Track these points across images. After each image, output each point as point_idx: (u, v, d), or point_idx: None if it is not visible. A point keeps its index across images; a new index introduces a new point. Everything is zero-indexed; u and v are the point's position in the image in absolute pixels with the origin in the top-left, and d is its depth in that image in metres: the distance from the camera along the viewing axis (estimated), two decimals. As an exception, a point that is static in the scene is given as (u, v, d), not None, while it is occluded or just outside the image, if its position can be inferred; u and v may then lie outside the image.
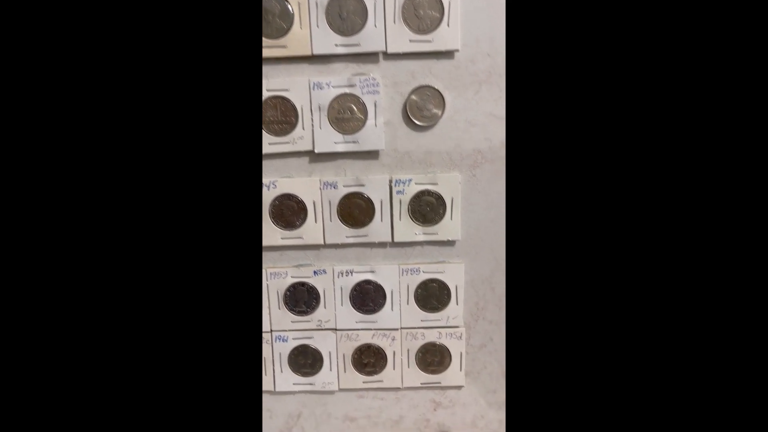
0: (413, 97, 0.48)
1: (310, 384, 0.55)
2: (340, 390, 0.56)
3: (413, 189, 0.50)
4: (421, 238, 0.51)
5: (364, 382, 0.55)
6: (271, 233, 0.51)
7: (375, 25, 0.46)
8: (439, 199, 0.50)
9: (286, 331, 0.54)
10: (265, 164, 0.50)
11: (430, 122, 0.49)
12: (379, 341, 0.54)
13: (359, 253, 0.52)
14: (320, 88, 0.48)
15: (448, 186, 0.50)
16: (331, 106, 0.48)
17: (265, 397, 0.56)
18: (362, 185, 0.50)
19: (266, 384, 0.55)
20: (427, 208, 0.50)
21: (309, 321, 0.54)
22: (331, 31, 0.46)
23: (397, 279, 0.52)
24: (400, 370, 0.55)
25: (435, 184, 0.50)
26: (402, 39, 0.47)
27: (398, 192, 0.50)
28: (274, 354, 0.54)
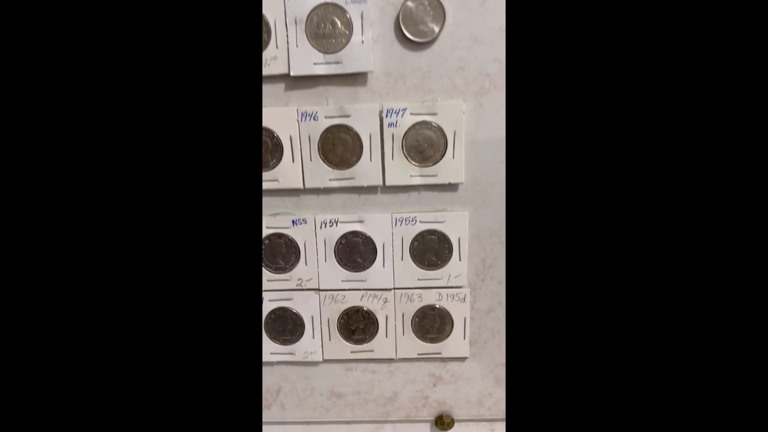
0: (409, 3, 0.40)
1: (290, 354, 0.48)
2: (325, 361, 0.48)
3: (408, 121, 0.42)
4: (418, 181, 0.43)
5: (352, 352, 0.48)
6: (245, 179, 0.44)
7: None
8: (439, 133, 0.42)
9: (262, 291, 0.47)
10: (235, 94, 0.43)
11: (428, 39, 0.41)
12: (369, 304, 0.47)
13: (345, 200, 0.45)
14: (296, -4, 0.40)
15: (450, 117, 0.42)
16: (309, 18, 0.41)
17: (239, 369, 0.49)
18: (347, 116, 0.43)
19: (243, 355, 0.48)
20: (425, 144, 0.43)
21: (288, 280, 0.46)
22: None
23: (389, 230, 0.45)
24: (394, 338, 0.47)
25: (434, 114, 0.42)
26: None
27: (390, 125, 0.42)
28: (251, 320, 0.47)
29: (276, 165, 0.44)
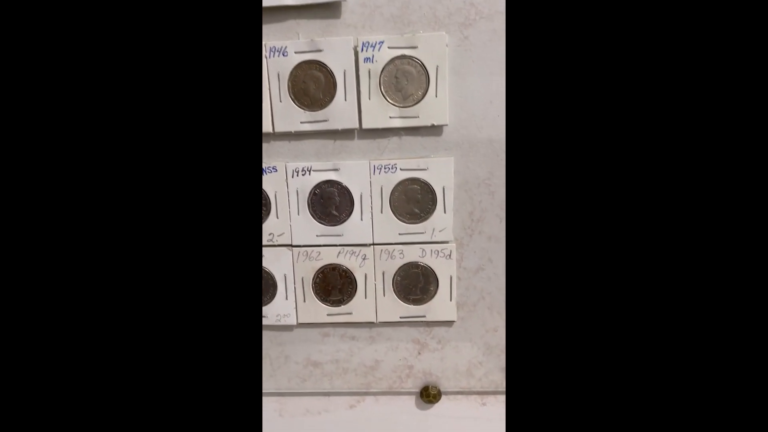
0: None
1: (263, 317, 0.45)
2: (300, 325, 0.45)
3: (386, 55, 0.39)
4: (398, 123, 0.40)
5: (328, 315, 0.44)
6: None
7: None
8: (420, 68, 0.39)
9: (230, 248, 0.44)
10: (200, 31, 0.40)
11: (407, -37, 0.37)
12: (346, 261, 0.43)
13: (319, 146, 0.41)
14: None
15: (432, 51, 0.38)
16: (276, -59, 0.38)
17: (208, 334, 0.46)
18: (319, 51, 0.39)
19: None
20: (405, 81, 0.39)
21: (258, 235, 0.43)
22: None
23: (367, 179, 0.41)
24: (374, 299, 0.43)
25: (414, 47, 0.38)
26: None
27: (366, 60, 0.39)
28: (221, 282, 0.44)
29: (243, 107, 0.40)
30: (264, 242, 0.42)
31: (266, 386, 0.46)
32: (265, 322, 0.44)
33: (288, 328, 0.45)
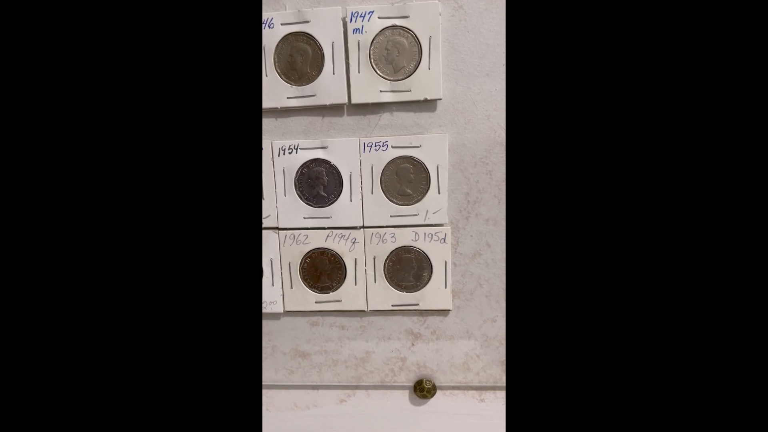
0: None
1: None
2: (287, 313, 0.43)
3: (376, 26, 0.37)
4: (389, 97, 0.38)
5: (317, 302, 0.42)
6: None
7: None
8: (412, 39, 0.37)
9: (215, 231, 0.42)
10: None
11: (398, -72, 0.36)
12: (335, 245, 0.41)
13: (306, 123, 0.39)
14: None
15: (425, 20, 0.36)
16: None
17: (193, 323, 0.44)
18: (306, 22, 0.37)
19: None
20: (396, 52, 0.37)
21: (244, 218, 0.41)
22: None
23: (357, 157, 0.39)
24: (364, 286, 0.41)
25: (406, 17, 0.36)
26: None
27: (356, 31, 0.37)
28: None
29: (228, 82, 0.39)
30: (249, 225, 0.41)
31: (252, 378, 0.44)
32: (250, 309, 0.42)
33: (275, 316, 0.43)
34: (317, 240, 0.40)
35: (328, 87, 0.37)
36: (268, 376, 0.44)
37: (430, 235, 0.39)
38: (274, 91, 0.38)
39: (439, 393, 0.43)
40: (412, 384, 0.43)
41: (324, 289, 0.41)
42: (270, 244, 0.41)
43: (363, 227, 0.40)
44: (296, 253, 0.41)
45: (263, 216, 0.40)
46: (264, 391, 0.44)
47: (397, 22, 0.36)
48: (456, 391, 0.43)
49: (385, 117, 0.38)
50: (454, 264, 0.40)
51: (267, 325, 0.43)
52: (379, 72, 0.37)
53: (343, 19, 0.36)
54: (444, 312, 0.41)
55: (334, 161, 0.39)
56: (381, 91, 0.37)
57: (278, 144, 0.39)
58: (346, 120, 0.39)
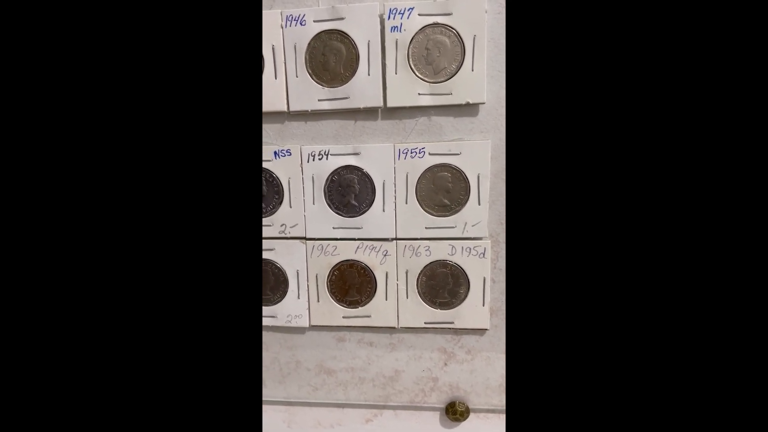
0: None
1: (271, 317, 0.41)
2: (312, 327, 0.40)
3: (416, 23, 0.34)
4: (427, 101, 0.35)
5: (344, 318, 0.40)
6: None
7: None
8: (455, 38, 0.34)
9: (238, 239, 0.40)
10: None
11: None
12: (365, 257, 0.39)
13: (338, 127, 0.37)
14: None
15: (469, 18, 0.33)
16: None
17: (213, 334, 0.42)
18: (341, 19, 0.35)
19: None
20: (437, 52, 0.35)
21: (269, 225, 0.39)
22: None
23: (391, 164, 0.36)
24: (395, 301, 0.39)
25: (448, 14, 0.34)
26: None
27: (394, 28, 0.35)
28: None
29: (256, 83, 0.36)
30: (275, 234, 0.38)
31: (274, 394, 0.42)
32: (274, 323, 0.40)
33: (299, 330, 0.40)
34: (347, 251, 0.38)
35: (362, 89, 0.35)
36: (290, 392, 0.42)
37: (468, 249, 0.37)
38: (305, 92, 0.36)
39: (472, 416, 0.40)
40: (443, 405, 0.41)
41: (352, 304, 0.39)
42: (297, 254, 0.38)
43: (396, 239, 0.37)
44: (324, 264, 0.38)
45: (290, 225, 0.38)
46: (287, 408, 0.42)
47: (440, 19, 0.33)
48: (491, 415, 0.40)
49: (423, 121, 0.36)
50: (493, 280, 0.37)
51: (291, 340, 0.41)
52: (417, 73, 0.34)
53: (381, 16, 0.34)
54: (480, 331, 0.38)
55: (366, 168, 0.36)
56: (419, 94, 0.35)
57: (308, 149, 0.37)
58: (380, 124, 0.36)
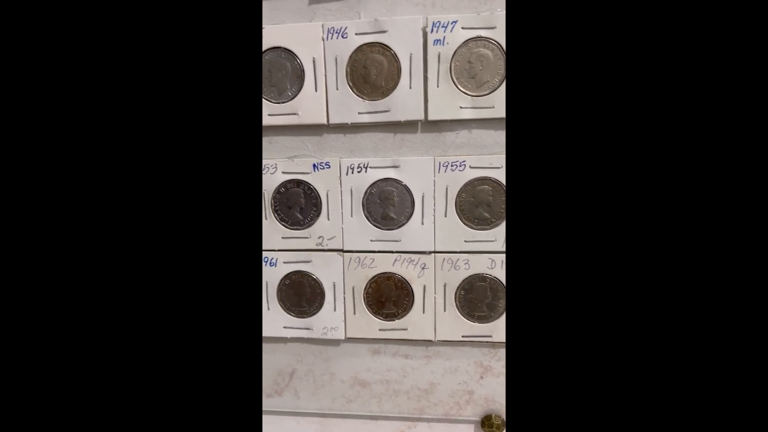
0: None
1: (307, 329, 0.41)
2: (348, 340, 0.40)
3: (459, 36, 0.34)
4: (469, 114, 0.35)
5: (380, 330, 0.39)
6: (260, 117, 0.37)
7: None
8: (499, 52, 0.34)
9: (274, 251, 0.40)
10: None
11: (488, -69, 0.33)
12: (402, 270, 0.38)
13: (378, 139, 0.37)
14: None
15: (512, 35, 0.34)
16: None
17: (247, 345, 0.42)
18: (383, 32, 0.35)
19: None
20: (480, 66, 0.34)
21: (307, 237, 0.39)
22: None
23: (431, 177, 0.36)
24: (433, 314, 0.39)
25: (492, 28, 0.34)
26: None
27: (436, 42, 0.35)
28: (261, 285, 0.40)
29: (295, 95, 0.36)
30: (312, 246, 0.38)
31: (308, 405, 0.42)
32: (309, 334, 0.40)
33: (334, 342, 0.40)
34: (384, 264, 0.38)
35: (403, 102, 0.35)
36: (324, 404, 0.42)
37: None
38: (345, 105, 0.36)
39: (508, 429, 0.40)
40: (479, 419, 0.40)
41: (389, 316, 0.39)
42: (334, 267, 0.38)
43: (434, 252, 0.37)
44: (361, 277, 0.38)
45: (328, 237, 0.38)
46: (320, 420, 0.42)
47: (483, 33, 0.33)
48: (526, 428, 0.40)
49: (463, 134, 0.36)
50: (532, 294, 0.37)
51: (325, 352, 0.41)
52: (460, 87, 0.34)
53: (423, 29, 0.34)
54: (518, 345, 0.38)
55: (405, 181, 0.36)
56: (461, 107, 0.34)
57: (347, 162, 0.37)
58: (420, 137, 0.36)
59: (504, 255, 0.36)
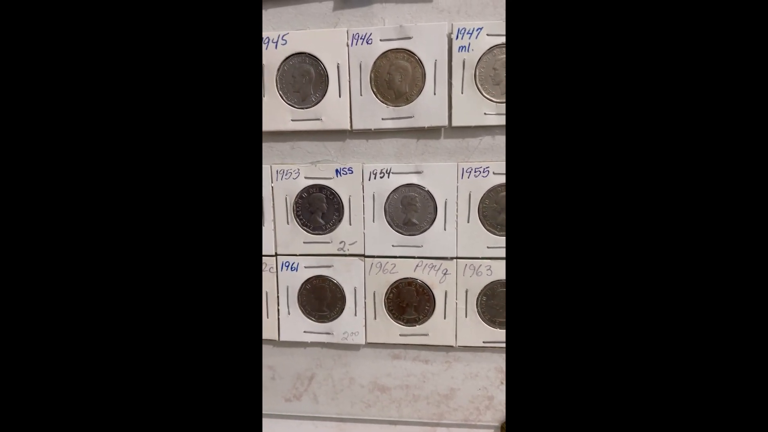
0: None
1: (327, 333, 0.41)
2: (368, 345, 0.40)
3: (484, 43, 0.34)
4: (493, 120, 0.35)
5: (401, 335, 0.40)
6: (278, 112, 0.36)
7: None
8: (523, 59, 0.34)
9: (296, 255, 0.40)
10: (270, 12, 0.37)
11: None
12: (424, 275, 0.39)
13: (400, 145, 0.37)
14: None
15: (537, 42, 0.34)
16: None
17: (266, 349, 0.42)
18: (408, 38, 0.35)
19: (267, 331, 0.40)
20: (505, 73, 0.35)
21: (328, 243, 0.39)
22: None
23: (454, 183, 0.36)
24: (454, 320, 0.39)
25: (517, 35, 0.34)
26: None
27: (461, 48, 0.35)
28: (279, 288, 0.39)
29: (319, 100, 0.36)
30: (334, 251, 0.38)
31: (327, 410, 0.42)
32: (330, 339, 0.40)
33: (354, 347, 0.40)
34: (405, 269, 0.38)
35: (427, 108, 0.35)
36: (343, 408, 0.42)
37: (529, 269, 0.37)
38: (369, 111, 0.36)
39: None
40: (498, 424, 0.40)
41: (410, 322, 0.39)
42: (355, 272, 0.38)
43: (456, 258, 0.37)
44: (382, 282, 0.38)
45: (349, 242, 0.38)
46: (338, 424, 0.42)
47: (508, 40, 0.34)
48: (545, 435, 0.40)
49: (486, 140, 0.36)
50: (554, 300, 0.37)
51: (345, 356, 0.41)
52: (484, 93, 0.34)
53: (449, 36, 0.34)
54: (539, 351, 0.38)
55: (428, 187, 0.36)
56: (485, 114, 0.34)
57: (369, 167, 0.37)
58: (443, 143, 0.36)
59: (526, 261, 0.36)
